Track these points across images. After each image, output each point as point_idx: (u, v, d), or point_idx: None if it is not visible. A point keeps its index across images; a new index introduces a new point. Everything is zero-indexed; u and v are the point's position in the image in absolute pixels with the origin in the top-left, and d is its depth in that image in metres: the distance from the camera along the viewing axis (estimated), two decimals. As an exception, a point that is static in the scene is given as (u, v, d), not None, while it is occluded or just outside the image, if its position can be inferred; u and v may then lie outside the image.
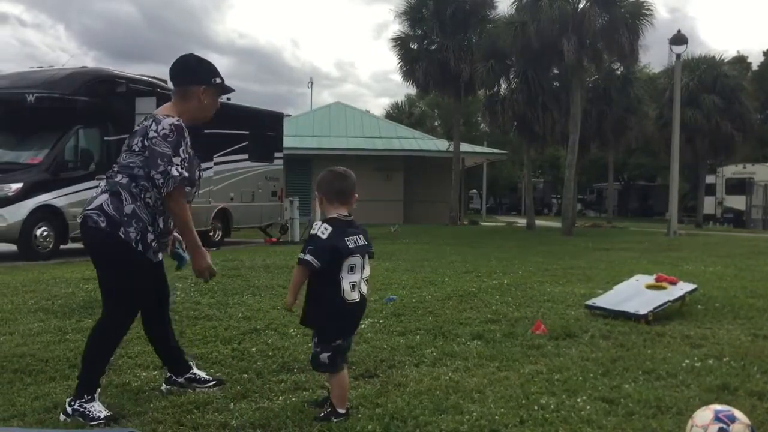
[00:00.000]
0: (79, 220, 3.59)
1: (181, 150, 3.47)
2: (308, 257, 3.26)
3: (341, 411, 3.34)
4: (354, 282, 3.34)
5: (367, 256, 3.43)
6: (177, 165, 3.43)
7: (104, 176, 3.65)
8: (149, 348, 4.54)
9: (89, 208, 3.49)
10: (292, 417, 3.36)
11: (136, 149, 3.48)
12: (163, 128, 3.44)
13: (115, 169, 3.56)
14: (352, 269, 3.33)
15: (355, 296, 3.35)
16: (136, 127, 3.58)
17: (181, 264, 3.84)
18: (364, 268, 3.40)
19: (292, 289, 3.37)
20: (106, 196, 3.47)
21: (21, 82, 12.63)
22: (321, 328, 3.39)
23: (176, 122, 3.49)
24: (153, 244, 3.51)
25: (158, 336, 3.89)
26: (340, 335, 3.40)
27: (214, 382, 3.93)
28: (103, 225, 3.41)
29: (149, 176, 3.43)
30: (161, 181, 3.40)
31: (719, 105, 30.82)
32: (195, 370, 3.97)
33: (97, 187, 3.68)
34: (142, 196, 3.46)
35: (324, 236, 3.28)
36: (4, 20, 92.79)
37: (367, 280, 3.44)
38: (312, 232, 3.34)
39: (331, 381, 3.46)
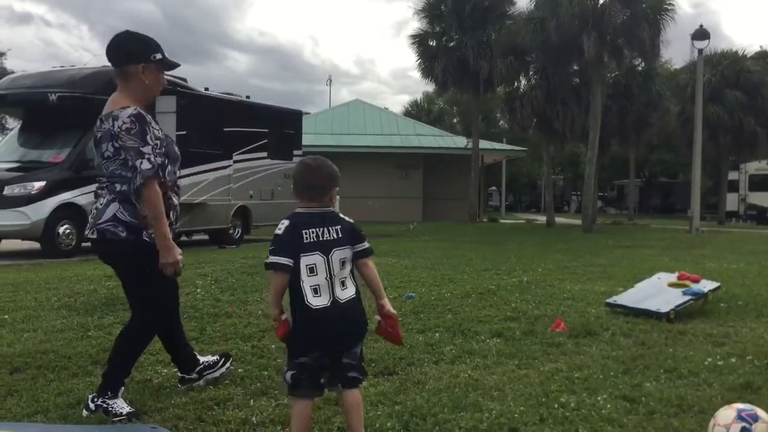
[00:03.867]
0: (92, 236, 3.45)
1: (148, 138, 3.36)
2: (271, 259, 2.83)
3: None
4: (316, 285, 2.80)
5: (338, 252, 2.85)
6: (148, 155, 3.32)
7: (97, 188, 3.52)
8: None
9: (101, 221, 3.40)
10: (311, 414, 3.36)
11: (110, 155, 3.39)
12: (123, 122, 3.32)
13: (105, 181, 3.46)
14: (311, 270, 2.81)
15: (320, 302, 2.80)
16: (97, 134, 3.45)
17: None
18: (337, 267, 2.84)
19: (272, 299, 2.90)
20: (116, 205, 3.39)
21: (43, 82, 12.76)
22: (289, 340, 2.87)
23: (134, 112, 3.36)
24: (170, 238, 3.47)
25: (170, 332, 3.84)
26: (303, 350, 2.81)
27: (219, 359, 3.93)
28: (123, 234, 3.37)
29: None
30: (134, 177, 3.32)
31: (742, 100, 30.42)
32: (200, 358, 3.94)
33: (96, 197, 3.52)
34: None
35: (280, 232, 2.85)
36: (28, 20, 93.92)
37: (343, 281, 2.86)
38: (276, 232, 2.88)
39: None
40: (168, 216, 3.43)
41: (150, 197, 3.32)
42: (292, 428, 2.93)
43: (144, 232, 3.39)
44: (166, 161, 3.48)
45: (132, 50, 3.50)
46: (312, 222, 2.86)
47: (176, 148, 3.62)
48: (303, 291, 2.79)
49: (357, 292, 2.91)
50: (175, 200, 3.60)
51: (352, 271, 2.92)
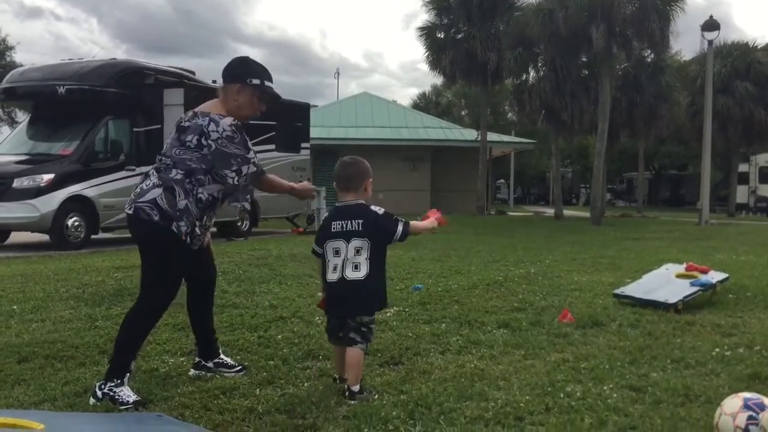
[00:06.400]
0: (129, 211, 3.58)
1: (249, 145, 3.65)
2: (313, 246, 3.71)
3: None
4: (336, 264, 3.55)
5: (355, 240, 3.52)
6: (253, 159, 3.64)
7: (154, 167, 3.65)
8: (177, 335, 4.63)
9: (141, 200, 3.52)
10: (317, 403, 3.37)
11: (192, 146, 3.54)
12: (225, 130, 3.54)
13: (167, 162, 3.58)
14: (337, 252, 3.56)
15: (334, 277, 3.56)
16: (185, 123, 3.61)
17: None
18: (352, 253, 3.52)
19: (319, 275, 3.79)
20: (159, 190, 3.51)
21: (52, 75, 12.80)
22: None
23: (234, 122, 3.60)
24: (199, 237, 3.65)
25: (199, 316, 4.00)
26: (327, 311, 3.72)
27: (240, 367, 4.00)
28: (156, 219, 3.48)
29: (213, 173, 3.55)
30: (236, 178, 3.58)
31: (752, 92, 30.18)
32: (222, 356, 4.04)
33: (145, 176, 3.66)
34: (195, 192, 3.55)
35: (323, 222, 3.71)
36: (38, 14, 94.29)
37: (357, 265, 3.51)
38: None
39: None
40: (201, 219, 3.66)
41: (272, 183, 3.93)
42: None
43: (174, 223, 3.51)
44: None
45: (236, 71, 3.76)
46: (340, 215, 3.60)
47: None
48: (327, 268, 3.61)
49: (371, 275, 3.52)
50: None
51: (370, 258, 3.53)
